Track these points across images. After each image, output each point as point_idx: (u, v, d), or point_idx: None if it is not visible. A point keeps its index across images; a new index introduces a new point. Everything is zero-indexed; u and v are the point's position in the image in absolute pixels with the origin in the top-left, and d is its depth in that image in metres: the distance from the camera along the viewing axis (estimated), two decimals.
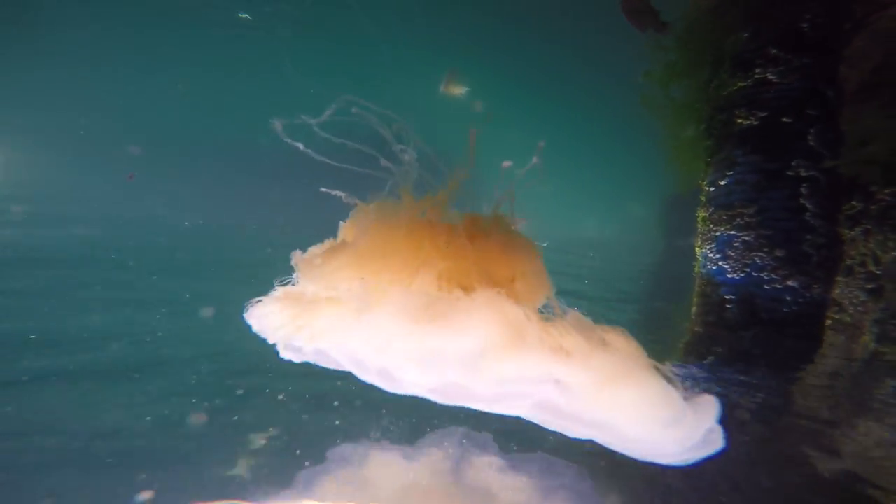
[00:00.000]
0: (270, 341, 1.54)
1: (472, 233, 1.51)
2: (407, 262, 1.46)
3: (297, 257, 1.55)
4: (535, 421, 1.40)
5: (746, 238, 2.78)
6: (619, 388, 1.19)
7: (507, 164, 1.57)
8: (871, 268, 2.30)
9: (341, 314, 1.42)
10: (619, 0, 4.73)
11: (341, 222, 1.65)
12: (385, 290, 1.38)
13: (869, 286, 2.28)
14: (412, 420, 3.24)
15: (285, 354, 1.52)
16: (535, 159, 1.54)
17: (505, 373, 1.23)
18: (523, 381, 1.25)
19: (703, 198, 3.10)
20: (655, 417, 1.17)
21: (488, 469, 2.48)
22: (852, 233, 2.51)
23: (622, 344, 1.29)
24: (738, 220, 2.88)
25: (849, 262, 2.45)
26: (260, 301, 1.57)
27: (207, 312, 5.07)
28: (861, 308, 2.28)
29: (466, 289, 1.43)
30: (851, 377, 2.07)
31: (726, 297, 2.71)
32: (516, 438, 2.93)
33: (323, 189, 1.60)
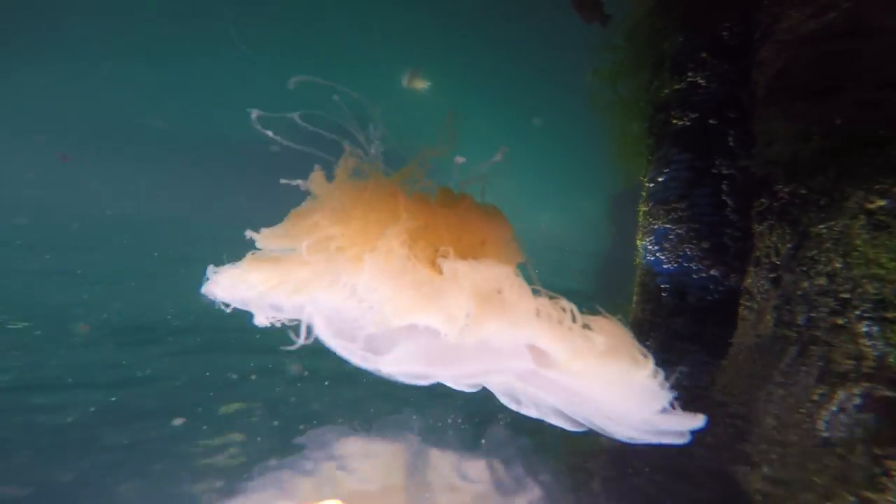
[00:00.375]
0: (243, 304, 1.50)
1: (444, 200, 1.54)
2: (377, 222, 1.41)
3: (258, 233, 1.48)
4: (508, 395, 1.52)
5: (679, 231, 3.12)
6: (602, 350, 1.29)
7: (459, 160, 1.61)
8: (773, 259, 2.72)
9: (317, 272, 1.40)
10: None
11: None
12: (356, 251, 1.36)
13: (771, 276, 2.70)
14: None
15: (262, 317, 1.48)
16: (497, 156, 1.60)
17: (487, 334, 1.30)
18: (503, 346, 1.33)
19: (643, 193, 3.39)
20: (629, 381, 1.31)
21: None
22: (760, 227, 2.93)
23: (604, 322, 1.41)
24: (673, 214, 3.20)
25: (757, 254, 2.87)
26: (221, 270, 1.53)
27: None
28: (765, 295, 2.71)
29: (438, 250, 1.46)
30: (758, 354, 2.54)
31: (662, 285, 3.06)
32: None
33: (283, 180, 1.51)
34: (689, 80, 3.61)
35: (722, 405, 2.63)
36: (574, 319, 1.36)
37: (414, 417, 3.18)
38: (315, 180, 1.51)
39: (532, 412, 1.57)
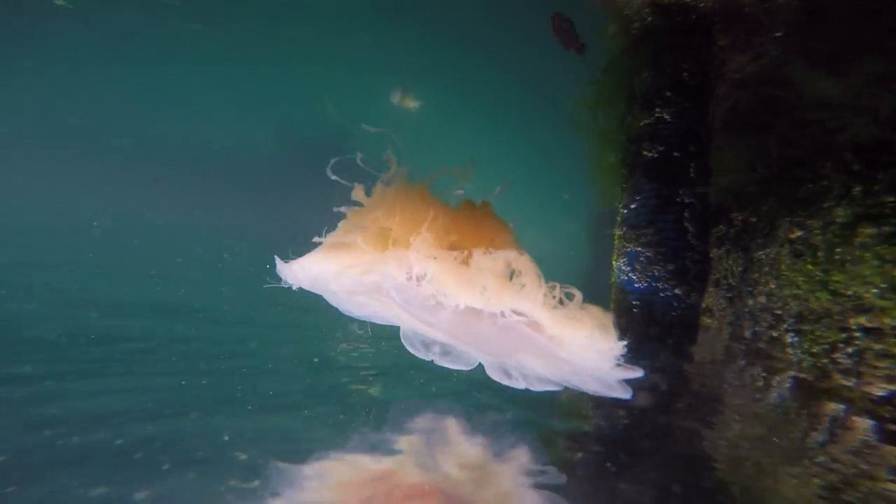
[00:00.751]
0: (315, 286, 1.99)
1: (465, 208, 2.13)
2: (416, 220, 1.95)
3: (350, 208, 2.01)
4: (500, 370, 1.93)
5: (648, 254, 3.54)
6: (579, 321, 1.70)
7: (459, 192, 2.05)
8: (730, 280, 3.18)
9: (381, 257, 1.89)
10: (551, 18, 5.25)
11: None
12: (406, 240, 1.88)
13: (728, 295, 3.16)
14: None
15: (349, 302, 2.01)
16: (498, 189, 2.05)
17: (503, 305, 1.72)
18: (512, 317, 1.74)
19: (618, 218, 3.80)
20: (601, 349, 1.69)
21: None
22: (719, 251, 3.39)
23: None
24: (643, 238, 3.63)
25: (716, 276, 3.33)
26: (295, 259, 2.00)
27: None
28: (723, 312, 3.17)
29: (465, 241, 2.00)
30: (721, 359, 3.01)
31: (633, 302, 3.47)
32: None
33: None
34: (656, 115, 4.05)
35: (698, 391, 3.10)
36: (569, 298, 1.78)
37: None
38: (358, 192, 1.99)
39: (520, 383, 1.99)
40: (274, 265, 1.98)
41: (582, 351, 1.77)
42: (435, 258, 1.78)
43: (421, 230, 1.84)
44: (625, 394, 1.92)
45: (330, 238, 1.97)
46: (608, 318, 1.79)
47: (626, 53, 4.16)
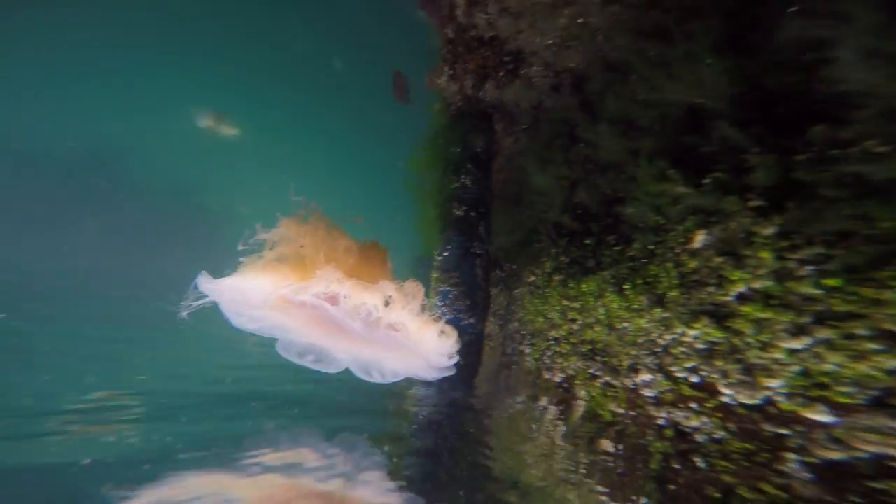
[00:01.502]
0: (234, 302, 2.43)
1: (362, 245, 2.87)
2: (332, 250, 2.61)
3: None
4: (362, 369, 2.73)
5: (455, 292, 4.87)
6: (428, 328, 2.64)
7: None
8: (501, 312, 4.87)
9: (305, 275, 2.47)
10: (392, 75, 5.89)
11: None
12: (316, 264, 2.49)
13: (500, 323, 4.84)
14: None
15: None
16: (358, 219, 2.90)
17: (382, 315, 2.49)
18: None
19: (435, 264, 4.95)
20: (439, 349, 2.70)
21: None
22: (495, 290, 5.06)
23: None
24: (451, 280, 4.92)
25: (494, 308, 4.97)
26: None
27: None
28: (498, 336, 4.83)
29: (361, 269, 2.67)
30: (496, 373, 4.63)
31: None
32: None
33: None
34: (462, 181, 5.43)
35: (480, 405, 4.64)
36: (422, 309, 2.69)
37: None
38: (288, 224, 2.49)
39: (378, 378, 2.81)
40: None
41: (433, 347, 2.71)
42: (342, 281, 2.41)
43: (334, 258, 2.43)
44: (450, 371, 3.13)
45: (250, 261, 2.40)
46: (446, 326, 2.82)
47: (445, 129, 5.35)
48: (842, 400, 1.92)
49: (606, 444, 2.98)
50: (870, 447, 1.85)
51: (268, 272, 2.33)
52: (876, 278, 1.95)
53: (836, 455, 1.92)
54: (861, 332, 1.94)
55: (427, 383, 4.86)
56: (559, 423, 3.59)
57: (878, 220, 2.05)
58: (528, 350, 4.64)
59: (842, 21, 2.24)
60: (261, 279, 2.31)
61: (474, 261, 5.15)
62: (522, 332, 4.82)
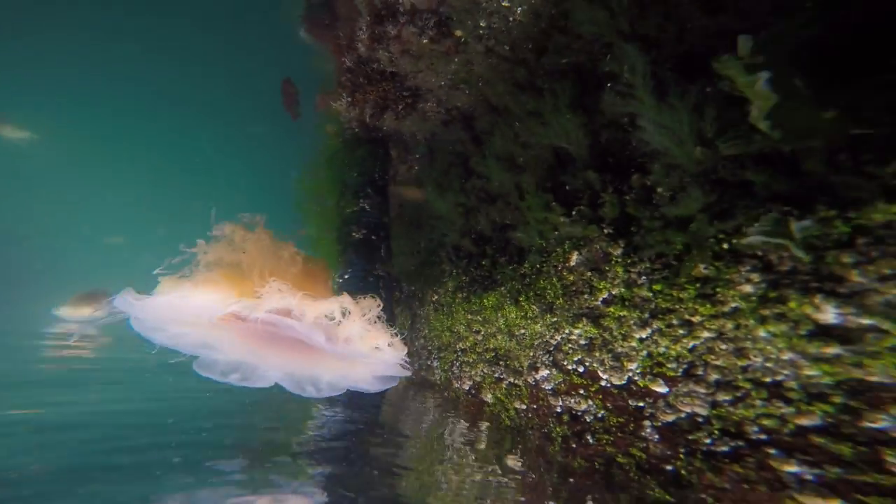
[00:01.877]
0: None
1: (305, 259, 2.90)
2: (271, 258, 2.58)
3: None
4: (294, 384, 2.64)
5: None
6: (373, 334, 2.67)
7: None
8: (404, 330, 5.02)
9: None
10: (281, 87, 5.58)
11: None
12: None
13: (404, 342, 4.97)
14: None
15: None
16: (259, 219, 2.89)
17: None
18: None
19: (335, 286, 4.83)
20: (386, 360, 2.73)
21: None
22: (397, 310, 5.20)
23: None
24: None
25: (397, 329, 5.08)
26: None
27: None
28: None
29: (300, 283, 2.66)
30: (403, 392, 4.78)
31: None
32: None
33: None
34: (361, 205, 5.48)
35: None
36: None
37: None
38: (236, 230, 2.44)
39: (311, 392, 2.73)
40: None
41: (386, 357, 2.74)
42: (292, 293, 2.34)
43: (278, 268, 2.29)
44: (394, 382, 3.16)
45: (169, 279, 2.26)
46: (394, 335, 2.89)
47: (341, 153, 5.33)
48: (670, 374, 2.72)
49: (513, 461, 3.42)
50: (686, 408, 2.66)
51: (203, 287, 2.16)
52: (678, 283, 2.86)
53: (670, 417, 2.70)
54: (674, 321, 2.80)
55: (332, 405, 4.65)
56: (468, 441, 3.93)
57: (675, 243, 3.01)
58: (436, 364, 4.91)
59: (636, 99, 3.21)
60: (198, 295, 2.15)
61: (377, 282, 5.21)
62: (429, 348, 5.07)
